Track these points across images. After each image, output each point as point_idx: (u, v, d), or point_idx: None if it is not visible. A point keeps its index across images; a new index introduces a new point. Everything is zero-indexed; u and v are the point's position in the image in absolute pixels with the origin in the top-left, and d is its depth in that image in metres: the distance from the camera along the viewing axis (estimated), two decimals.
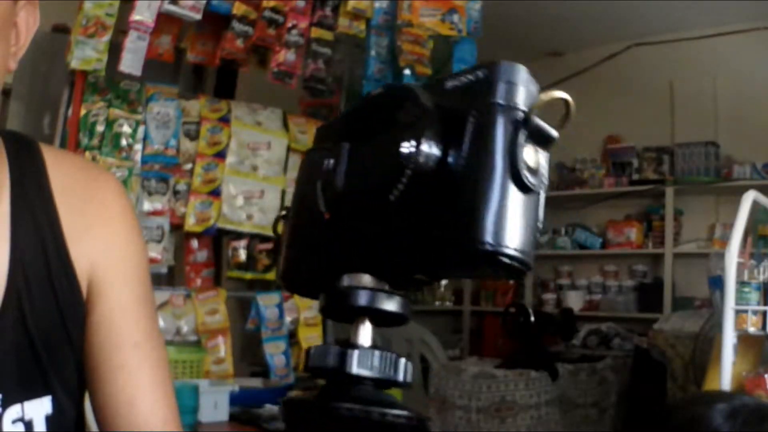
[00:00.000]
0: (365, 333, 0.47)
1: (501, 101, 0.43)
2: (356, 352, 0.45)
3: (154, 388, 0.91)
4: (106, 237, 0.91)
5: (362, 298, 0.46)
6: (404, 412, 0.45)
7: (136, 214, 1.00)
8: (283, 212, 0.53)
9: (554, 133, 0.44)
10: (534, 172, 0.42)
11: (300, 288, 0.53)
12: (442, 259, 0.44)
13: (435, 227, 0.43)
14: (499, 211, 0.42)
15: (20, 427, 0.81)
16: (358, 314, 0.47)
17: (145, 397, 0.90)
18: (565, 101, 0.44)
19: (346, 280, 0.47)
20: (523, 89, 0.43)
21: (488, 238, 0.41)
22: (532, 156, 0.43)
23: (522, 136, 0.42)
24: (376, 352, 0.45)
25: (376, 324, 0.47)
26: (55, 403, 0.84)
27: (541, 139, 0.43)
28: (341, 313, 0.48)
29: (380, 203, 0.43)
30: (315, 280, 0.50)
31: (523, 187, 0.42)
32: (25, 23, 0.86)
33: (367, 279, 0.47)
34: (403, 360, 0.46)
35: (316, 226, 0.48)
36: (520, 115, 0.43)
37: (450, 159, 0.43)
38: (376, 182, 0.44)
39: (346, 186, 0.45)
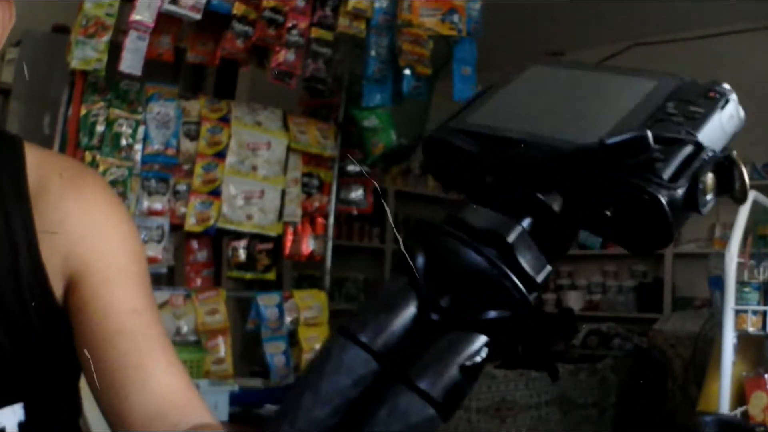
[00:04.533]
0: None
1: None
2: (519, 228, 0.43)
3: (166, 352, 0.83)
4: (81, 225, 0.85)
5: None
6: (526, 293, 0.42)
7: (123, 207, 0.94)
8: None
9: None
10: None
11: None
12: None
13: None
14: None
15: None
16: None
17: (158, 360, 0.82)
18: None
19: None
20: None
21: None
22: None
23: None
24: (520, 228, 0.43)
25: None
26: (29, 410, 0.82)
27: None
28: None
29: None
30: None
31: None
32: (0, 20, 0.85)
33: None
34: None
35: None
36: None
37: None
38: None
39: None
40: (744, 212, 2.48)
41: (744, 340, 2.47)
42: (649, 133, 0.41)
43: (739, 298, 2.43)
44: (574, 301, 5.67)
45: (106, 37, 2.51)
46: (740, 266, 2.45)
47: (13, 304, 0.81)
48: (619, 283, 5.61)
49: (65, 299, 0.85)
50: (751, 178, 4.90)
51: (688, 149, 0.43)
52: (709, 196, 0.44)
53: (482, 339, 0.41)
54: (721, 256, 2.52)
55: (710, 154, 0.44)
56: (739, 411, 2.44)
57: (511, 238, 0.41)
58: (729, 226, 2.84)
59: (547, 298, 5.83)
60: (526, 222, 0.44)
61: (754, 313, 2.41)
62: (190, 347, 2.75)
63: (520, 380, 4.16)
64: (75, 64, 2.49)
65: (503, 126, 0.47)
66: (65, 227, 0.84)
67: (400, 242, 0.43)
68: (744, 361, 2.52)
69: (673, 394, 4.09)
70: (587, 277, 5.78)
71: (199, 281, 3.00)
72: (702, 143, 0.44)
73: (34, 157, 0.87)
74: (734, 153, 0.46)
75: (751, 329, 2.41)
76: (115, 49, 2.55)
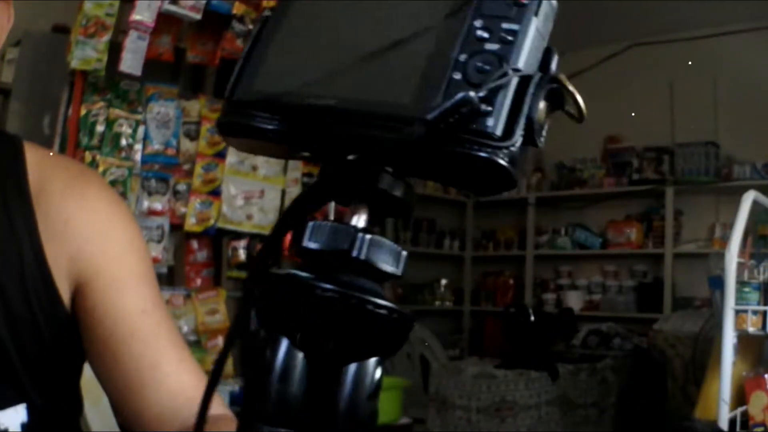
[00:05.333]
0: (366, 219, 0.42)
1: None
2: (366, 236, 0.40)
3: (177, 349, 0.85)
4: (86, 226, 0.86)
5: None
6: (387, 303, 0.40)
7: (127, 208, 0.95)
8: None
9: None
10: None
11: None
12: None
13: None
14: None
15: None
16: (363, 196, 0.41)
17: (171, 358, 0.84)
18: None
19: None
20: None
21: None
22: None
23: None
24: (368, 236, 0.40)
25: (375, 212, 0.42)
26: (31, 411, 0.82)
27: None
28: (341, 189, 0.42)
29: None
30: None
31: None
32: None
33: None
34: (397, 249, 0.41)
35: None
36: None
37: None
38: None
39: None
40: (744, 212, 2.48)
41: (744, 340, 2.47)
42: (473, 94, 0.37)
43: (739, 298, 2.43)
44: (574, 301, 5.67)
45: (106, 37, 2.51)
46: (740, 266, 2.44)
47: (18, 305, 0.81)
48: (619, 283, 5.61)
49: (73, 301, 0.85)
50: (751, 178, 4.91)
51: (514, 86, 0.39)
52: (543, 124, 0.40)
53: (374, 360, 0.40)
54: (721, 256, 2.51)
55: (537, 80, 0.40)
56: (739, 411, 2.44)
57: (355, 251, 0.39)
58: (729, 226, 2.84)
59: (547, 298, 5.84)
60: (363, 214, 0.41)
61: (754, 313, 2.41)
62: (190, 347, 2.75)
63: (520, 380, 4.16)
64: (75, 64, 2.49)
65: (302, 90, 0.41)
66: (70, 228, 0.85)
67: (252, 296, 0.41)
68: (744, 361, 2.52)
69: (673, 394, 4.09)
70: (587, 277, 5.78)
71: (199, 281, 3.00)
72: (528, 74, 0.39)
73: (34, 157, 0.87)
74: (558, 71, 0.41)
75: (751, 329, 2.41)
76: (115, 49, 2.55)
